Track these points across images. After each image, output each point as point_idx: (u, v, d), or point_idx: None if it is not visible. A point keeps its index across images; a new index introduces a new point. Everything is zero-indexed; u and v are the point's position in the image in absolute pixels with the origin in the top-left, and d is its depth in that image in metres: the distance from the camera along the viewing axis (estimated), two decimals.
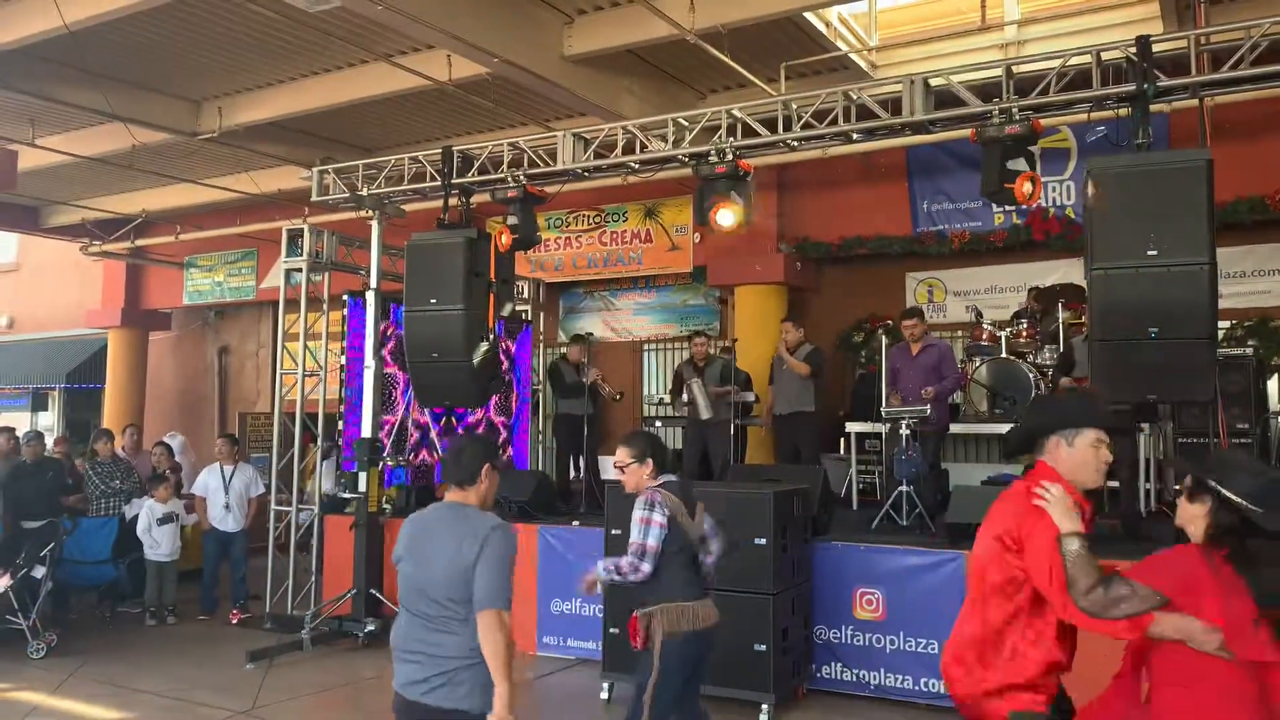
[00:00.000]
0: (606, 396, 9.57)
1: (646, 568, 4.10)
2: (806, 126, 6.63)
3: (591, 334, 11.10)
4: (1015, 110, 5.85)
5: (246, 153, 10.79)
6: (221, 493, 8.86)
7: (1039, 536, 2.76)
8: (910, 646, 6.14)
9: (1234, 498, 2.62)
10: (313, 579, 8.27)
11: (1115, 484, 6.76)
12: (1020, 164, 5.70)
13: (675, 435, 10.13)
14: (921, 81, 6.27)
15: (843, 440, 9.22)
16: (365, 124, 10.26)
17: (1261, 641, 2.56)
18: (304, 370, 8.62)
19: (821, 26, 8.25)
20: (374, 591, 7.75)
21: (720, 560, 4.42)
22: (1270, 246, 9.14)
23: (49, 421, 17.15)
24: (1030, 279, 9.73)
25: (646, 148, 7.30)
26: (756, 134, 6.77)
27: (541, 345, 10.66)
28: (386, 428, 8.55)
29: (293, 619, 7.94)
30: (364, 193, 8.25)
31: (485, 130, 10.25)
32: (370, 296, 8.40)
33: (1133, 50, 5.63)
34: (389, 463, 8.36)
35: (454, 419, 9.29)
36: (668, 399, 9.91)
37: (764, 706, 5.77)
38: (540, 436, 10.50)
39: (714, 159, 6.70)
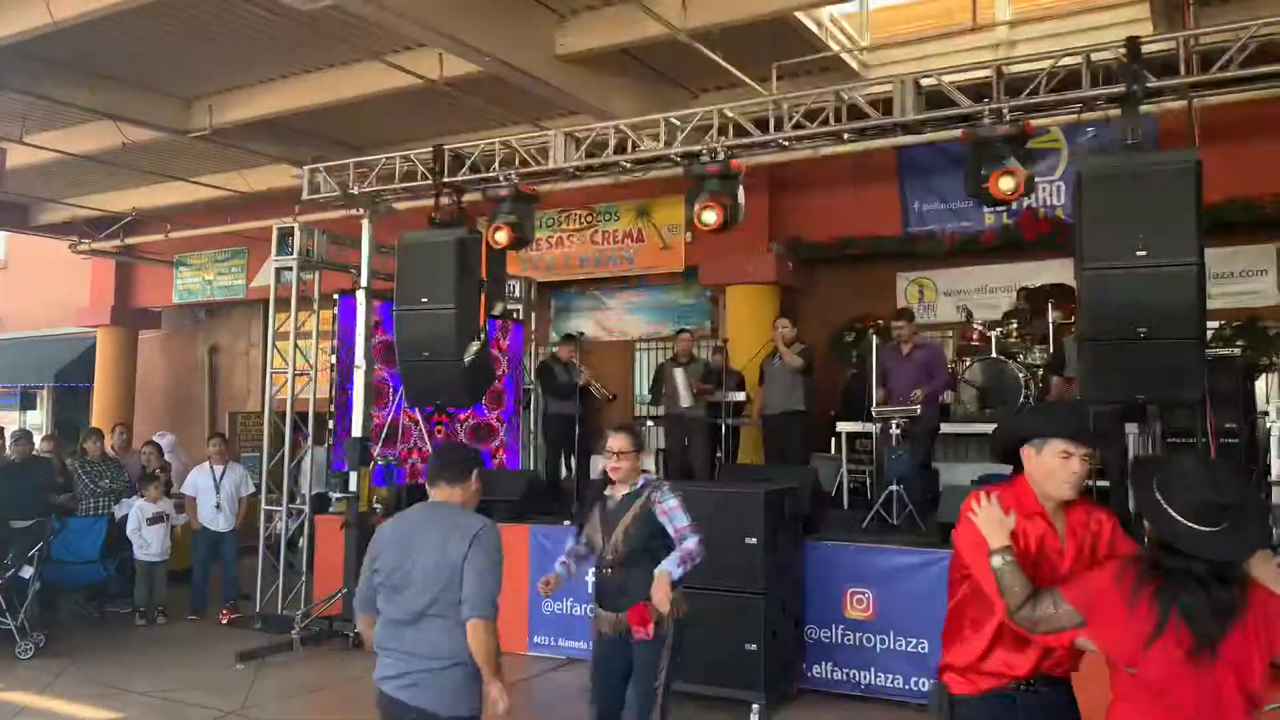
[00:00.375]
0: (599, 397, 9.56)
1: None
2: (798, 126, 6.63)
3: (582, 333, 11.09)
4: (1006, 110, 5.87)
5: (237, 151, 10.75)
6: (212, 492, 8.83)
7: (972, 550, 2.78)
8: (900, 646, 6.15)
9: (1172, 512, 2.50)
10: (303, 579, 8.26)
11: (1106, 484, 6.79)
12: (1008, 163, 5.71)
13: (664, 435, 10.13)
14: (912, 82, 6.27)
15: (833, 440, 9.24)
16: (357, 122, 10.23)
17: (1152, 659, 2.45)
18: (294, 369, 8.60)
19: (813, 26, 8.26)
20: None
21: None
22: (1258, 248, 9.20)
23: (38, 420, 17.04)
24: (1021, 279, 9.76)
25: (638, 147, 7.29)
26: (748, 134, 6.76)
27: (533, 344, 10.66)
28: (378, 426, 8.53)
29: (283, 619, 7.91)
30: (355, 191, 8.21)
31: (477, 129, 10.22)
32: (361, 295, 8.38)
33: (1123, 51, 5.64)
34: (380, 462, 8.34)
35: (448, 416, 9.27)
36: (648, 394, 9.92)
37: (754, 706, 5.77)
38: (531, 436, 10.49)
39: (706, 158, 6.71)
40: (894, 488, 7.18)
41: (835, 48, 8.65)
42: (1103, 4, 8.16)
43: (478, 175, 7.71)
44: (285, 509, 8.42)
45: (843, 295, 11.12)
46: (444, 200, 7.75)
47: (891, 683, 6.16)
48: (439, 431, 9.18)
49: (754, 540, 5.80)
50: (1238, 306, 9.17)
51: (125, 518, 8.71)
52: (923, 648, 6.01)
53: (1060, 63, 5.91)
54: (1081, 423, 3.01)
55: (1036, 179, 8.83)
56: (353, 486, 8.00)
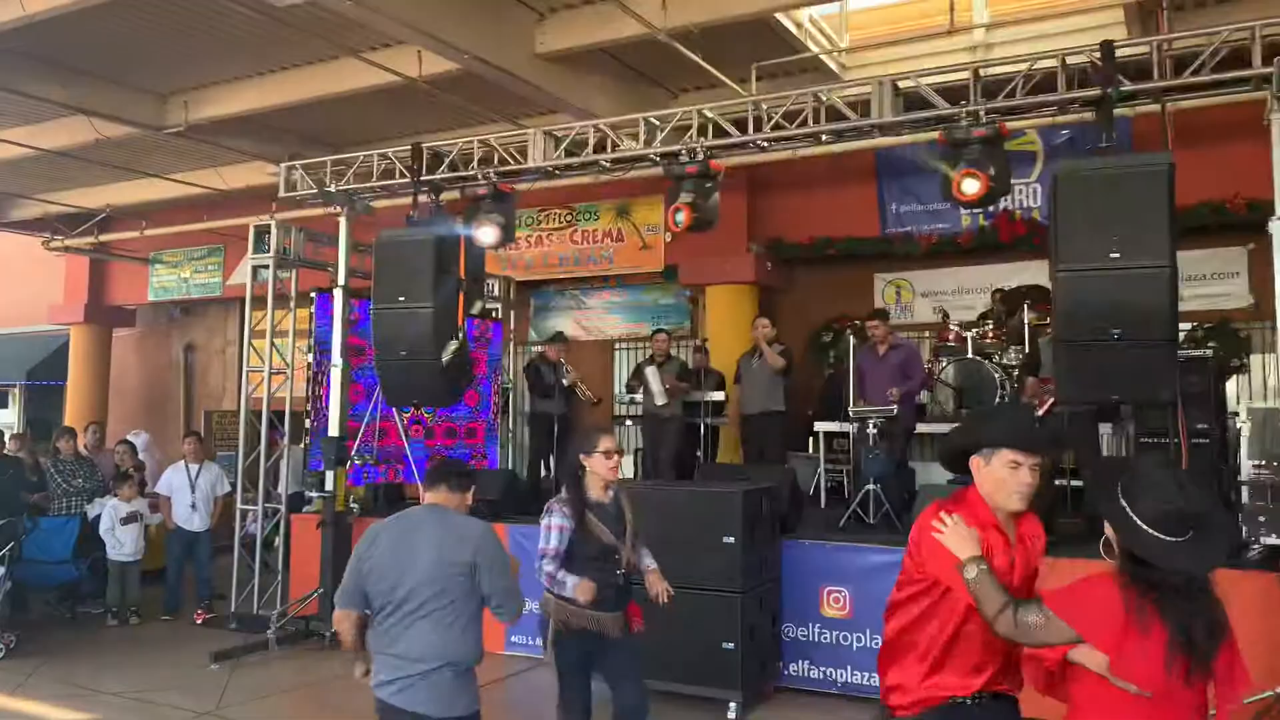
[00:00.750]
0: (584, 399, 9.53)
1: None
2: (777, 127, 6.66)
3: (561, 332, 11.08)
4: (982, 113, 5.92)
5: (213, 148, 10.66)
6: (187, 491, 8.76)
7: (941, 565, 2.75)
8: (877, 644, 6.10)
9: (1136, 520, 2.46)
10: (279, 579, 8.20)
11: (1079, 484, 6.85)
12: (973, 165, 5.74)
13: (641, 435, 10.12)
14: (890, 84, 6.32)
15: (811, 439, 9.27)
16: (334, 120, 10.17)
17: (1161, 677, 2.40)
18: (271, 368, 8.54)
19: (793, 28, 8.30)
20: None
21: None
22: (1230, 250, 9.29)
23: (10, 419, 16.82)
24: (997, 280, 9.82)
25: (618, 146, 7.30)
26: (727, 134, 6.79)
27: (512, 344, 10.63)
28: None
29: (258, 619, 7.86)
30: (332, 189, 8.18)
31: (455, 127, 10.18)
32: (338, 294, 8.33)
33: (1097, 55, 5.71)
34: (357, 461, 8.30)
35: (429, 415, 9.21)
36: (626, 394, 9.92)
37: (731, 704, 5.79)
38: (510, 435, 10.46)
39: (685, 158, 6.72)
40: (871, 487, 7.22)
41: (814, 49, 8.69)
42: (1078, 8, 8.24)
43: (456, 174, 7.69)
44: (261, 508, 8.37)
45: (821, 296, 11.16)
46: (422, 198, 7.73)
47: (868, 681, 6.17)
48: (416, 431, 9.13)
49: (731, 539, 5.81)
50: (1209, 308, 9.27)
51: (98, 517, 8.62)
52: None
53: (1036, 65, 5.97)
54: (1030, 431, 2.95)
55: (1013, 181, 8.92)
56: (329, 486, 7.96)
